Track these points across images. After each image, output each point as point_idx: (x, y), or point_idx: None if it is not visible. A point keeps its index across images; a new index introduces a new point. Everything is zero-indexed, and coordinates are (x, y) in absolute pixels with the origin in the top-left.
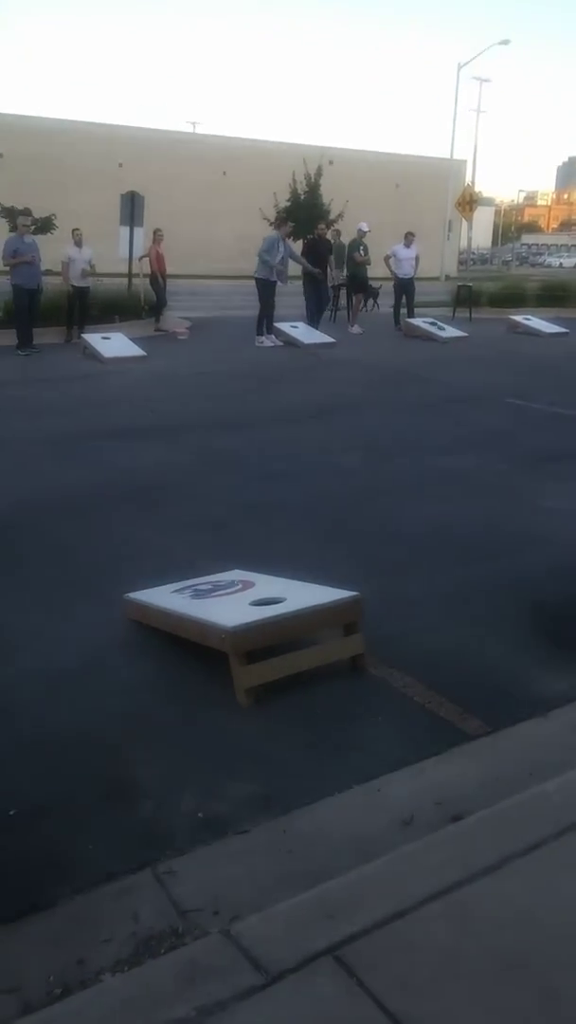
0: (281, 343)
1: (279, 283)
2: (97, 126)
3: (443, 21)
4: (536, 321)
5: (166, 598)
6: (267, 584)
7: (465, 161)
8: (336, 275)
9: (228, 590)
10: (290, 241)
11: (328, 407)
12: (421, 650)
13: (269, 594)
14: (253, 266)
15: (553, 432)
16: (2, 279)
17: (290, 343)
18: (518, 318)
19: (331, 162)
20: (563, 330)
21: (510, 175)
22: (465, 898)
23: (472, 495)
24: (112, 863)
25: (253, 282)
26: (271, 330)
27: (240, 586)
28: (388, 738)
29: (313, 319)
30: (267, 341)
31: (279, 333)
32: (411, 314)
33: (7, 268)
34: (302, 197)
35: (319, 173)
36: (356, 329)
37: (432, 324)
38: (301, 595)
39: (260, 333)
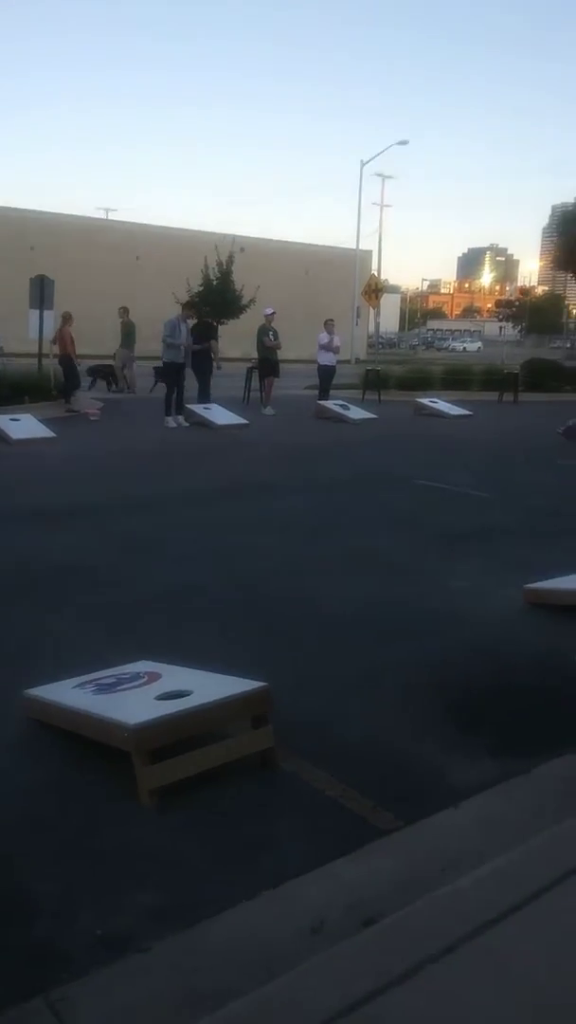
0: (188, 424)
1: (185, 364)
2: (9, 210)
3: (350, 122)
4: (442, 403)
5: (67, 694)
6: (174, 675)
7: (371, 251)
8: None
9: (133, 684)
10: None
11: (241, 488)
12: (333, 740)
13: (175, 686)
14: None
15: (460, 511)
16: None
17: (202, 424)
18: (424, 400)
19: (242, 249)
20: (467, 412)
21: (415, 264)
22: (376, 1012)
23: (386, 575)
24: (1, 990)
25: (162, 366)
26: (180, 411)
27: (146, 679)
28: (299, 837)
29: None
30: (172, 422)
31: (191, 414)
32: (323, 396)
33: None
34: (214, 283)
35: (231, 260)
36: (269, 410)
37: (342, 406)
38: (208, 687)
39: (168, 414)
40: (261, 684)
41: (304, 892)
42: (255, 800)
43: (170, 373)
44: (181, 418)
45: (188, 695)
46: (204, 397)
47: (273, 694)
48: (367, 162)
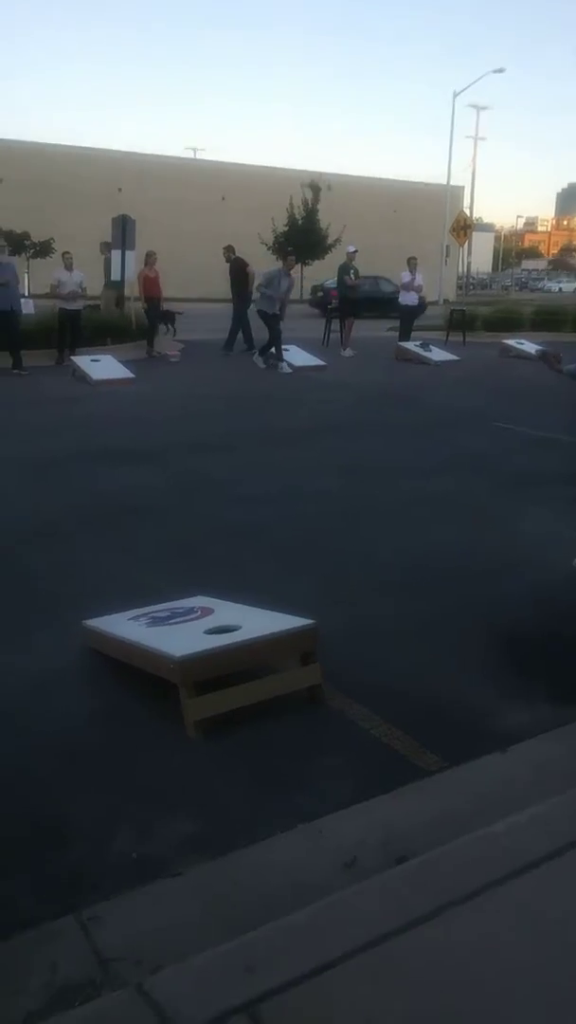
0: (290, 370)
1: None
2: (97, 151)
3: (440, 49)
4: (528, 345)
5: (122, 626)
6: (226, 611)
7: (463, 187)
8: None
9: (186, 618)
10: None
11: (313, 430)
12: (383, 681)
13: (226, 621)
14: (251, 288)
15: (536, 456)
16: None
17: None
18: (510, 342)
19: (329, 187)
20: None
21: (509, 201)
22: (395, 952)
23: (451, 520)
24: (34, 908)
25: (258, 309)
26: (280, 356)
27: (199, 613)
28: (340, 775)
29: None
30: (285, 367)
31: (269, 356)
32: (404, 337)
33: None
34: (300, 222)
35: (316, 198)
36: (348, 352)
37: (423, 347)
38: (257, 623)
39: (262, 354)
40: (309, 621)
41: (339, 828)
42: (299, 736)
43: (266, 321)
44: (285, 364)
45: (236, 630)
46: (250, 342)
47: (322, 632)
48: (460, 92)
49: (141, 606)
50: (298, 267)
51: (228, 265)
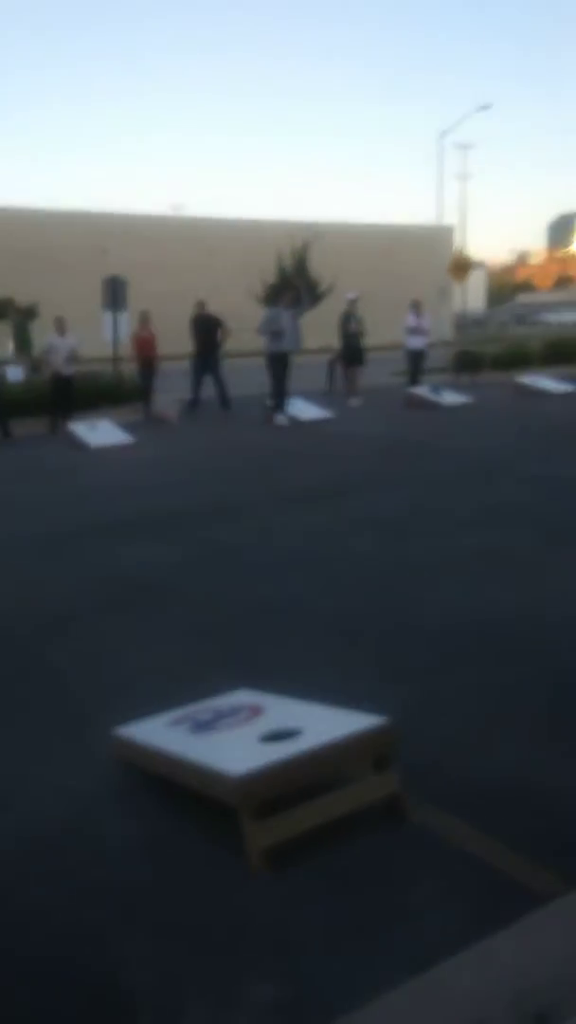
0: (286, 423)
1: (293, 349)
2: (80, 215)
3: (423, 89)
4: (544, 381)
5: (160, 734)
6: (279, 708)
7: (452, 227)
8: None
9: (233, 719)
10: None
11: (331, 487)
12: (469, 781)
13: (281, 723)
14: (241, 343)
15: None
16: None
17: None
18: (524, 379)
19: (317, 236)
20: (574, 388)
21: (500, 236)
22: None
23: (502, 579)
24: None
25: (266, 359)
26: (281, 407)
27: (247, 712)
28: (440, 905)
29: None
30: (282, 419)
31: (268, 413)
32: (413, 382)
33: None
34: (289, 272)
35: (305, 247)
36: (355, 401)
37: (434, 391)
38: (320, 723)
39: (276, 410)
40: (382, 719)
41: (456, 979)
42: (382, 859)
43: (274, 364)
44: (282, 416)
45: (298, 734)
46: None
47: (396, 730)
48: (446, 132)
49: (175, 701)
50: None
51: (195, 320)
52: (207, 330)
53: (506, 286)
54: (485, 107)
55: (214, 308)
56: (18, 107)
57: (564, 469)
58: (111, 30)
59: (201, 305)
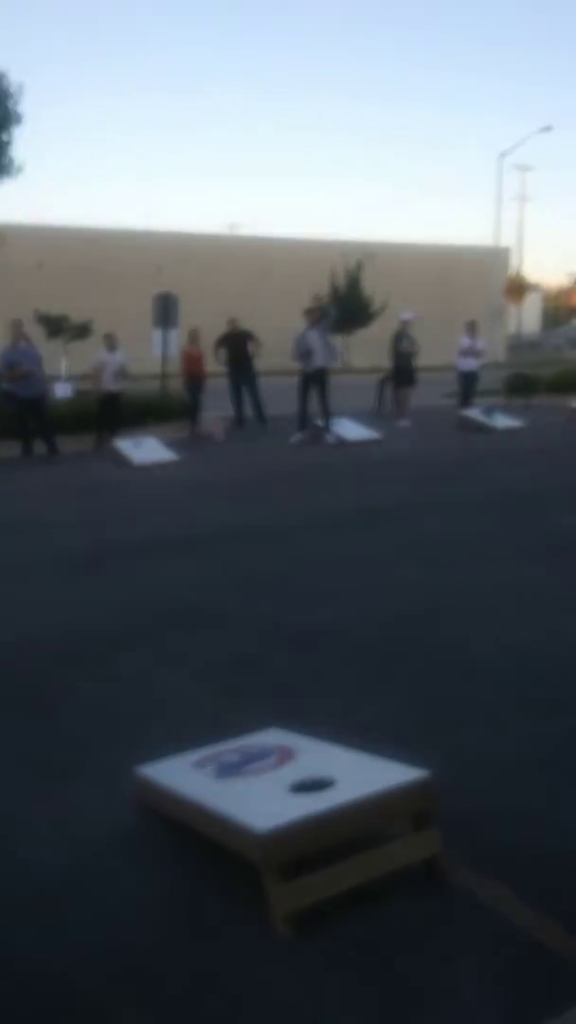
0: (335, 441)
1: (325, 366)
2: (135, 233)
3: (482, 110)
4: None
5: (183, 777)
6: (311, 753)
7: (508, 249)
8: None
9: (262, 763)
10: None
11: (377, 511)
12: (517, 844)
13: (313, 770)
14: (289, 361)
15: None
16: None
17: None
18: None
19: (371, 256)
20: None
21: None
22: None
23: (558, 616)
24: None
25: (298, 379)
26: (305, 426)
27: (277, 756)
28: (483, 986)
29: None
30: (330, 437)
31: (321, 431)
32: (465, 404)
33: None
34: (342, 292)
35: (359, 267)
36: (404, 423)
37: (487, 414)
38: (355, 774)
39: (301, 429)
40: (423, 772)
41: None
42: (420, 930)
43: (308, 383)
44: (330, 435)
45: (330, 785)
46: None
47: (438, 784)
48: (507, 153)
49: (202, 738)
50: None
51: (224, 337)
52: (239, 345)
53: (562, 308)
54: (546, 129)
55: (266, 327)
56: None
57: None
58: (176, 47)
59: (233, 323)
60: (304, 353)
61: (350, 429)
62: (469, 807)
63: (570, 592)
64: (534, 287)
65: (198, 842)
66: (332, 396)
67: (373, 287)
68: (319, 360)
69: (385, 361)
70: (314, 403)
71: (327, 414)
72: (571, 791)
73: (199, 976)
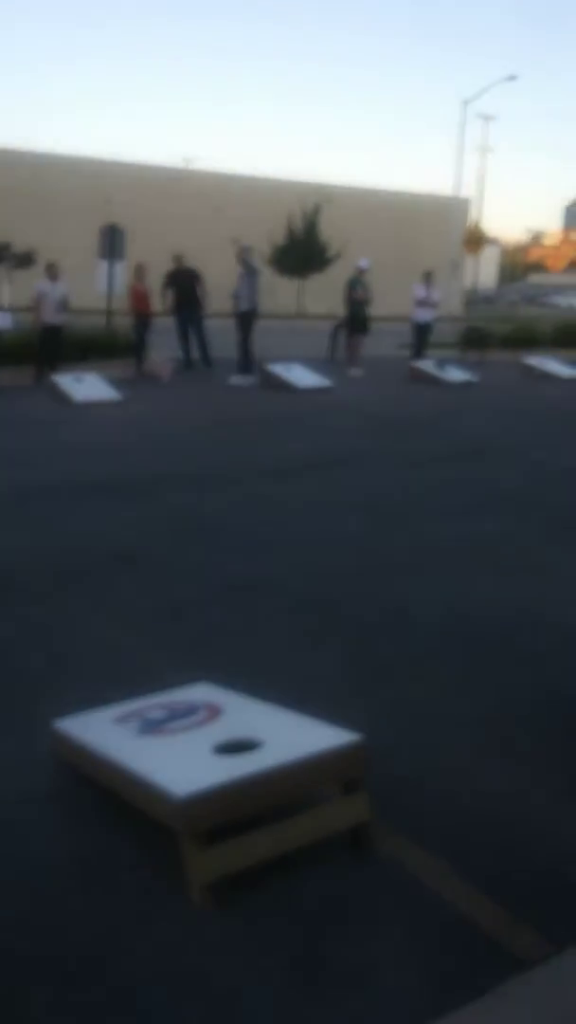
0: (253, 383)
1: (247, 309)
2: (84, 161)
3: (448, 56)
4: (553, 364)
5: (103, 733)
6: (239, 711)
7: (468, 200)
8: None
9: (188, 721)
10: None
11: (323, 461)
12: (447, 811)
13: (241, 729)
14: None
15: None
16: None
17: (282, 386)
18: (532, 361)
19: (330, 200)
20: None
21: (515, 214)
22: None
23: (498, 572)
24: None
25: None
26: (250, 369)
27: (204, 714)
28: (405, 965)
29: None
30: (240, 380)
31: (271, 376)
32: (418, 356)
33: None
34: (299, 236)
35: (316, 211)
36: (356, 371)
37: (439, 366)
38: (284, 735)
39: (239, 371)
40: (354, 736)
41: None
42: (343, 903)
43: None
44: (250, 376)
45: (257, 747)
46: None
47: (369, 747)
48: (470, 100)
49: (128, 691)
50: (299, 282)
51: (172, 274)
52: (186, 286)
53: (518, 265)
54: (511, 78)
55: (219, 268)
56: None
57: (566, 457)
58: None
59: (179, 259)
60: (234, 296)
61: (301, 376)
62: (402, 771)
63: (513, 551)
64: (492, 241)
65: (118, 801)
66: (283, 340)
67: (330, 232)
68: (244, 304)
69: (340, 308)
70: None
71: (241, 357)
72: (499, 753)
73: (114, 938)
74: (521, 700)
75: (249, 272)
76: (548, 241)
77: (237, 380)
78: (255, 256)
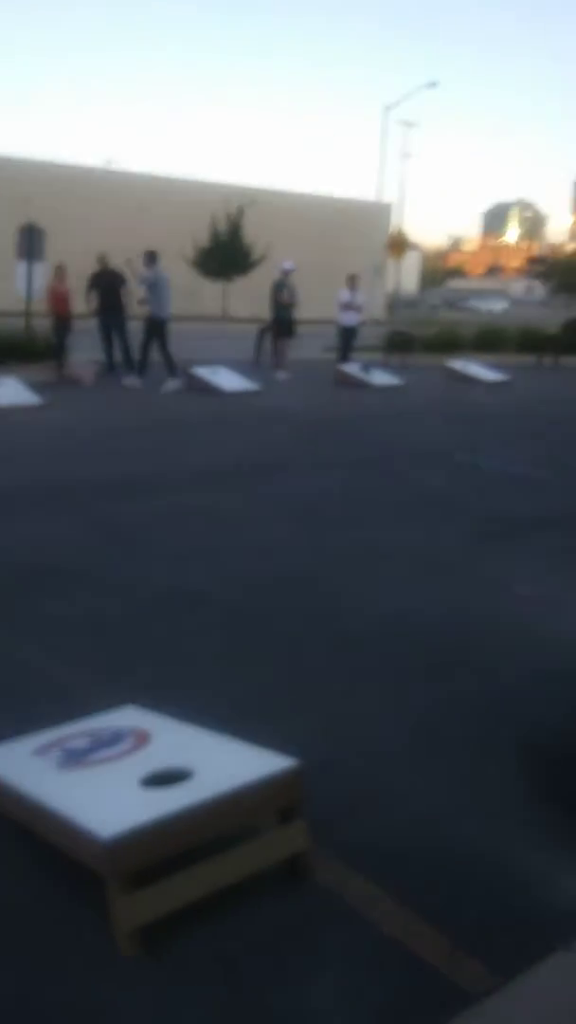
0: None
1: (155, 316)
2: (3, 160)
3: (370, 63)
4: (475, 367)
5: (22, 766)
6: (168, 736)
7: (390, 205)
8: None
9: (113, 750)
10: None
11: (251, 466)
12: (385, 835)
13: (170, 757)
14: (177, 308)
15: (508, 496)
16: None
17: (207, 390)
18: (456, 364)
19: (253, 202)
20: (504, 377)
21: (436, 220)
22: None
23: (428, 578)
24: None
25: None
26: (174, 373)
27: (131, 741)
28: (345, 1002)
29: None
30: (170, 385)
31: (196, 379)
32: (343, 359)
33: None
34: (223, 238)
35: (240, 213)
36: (282, 375)
37: (364, 370)
38: (216, 762)
39: (169, 375)
40: (290, 762)
41: None
42: (281, 938)
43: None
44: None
45: (188, 777)
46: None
47: (305, 771)
48: (392, 107)
49: (50, 717)
50: (223, 284)
51: (96, 276)
52: (110, 288)
53: (439, 270)
54: (432, 84)
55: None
56: None
57: (489, 460)
58: None
59: (103, 260)
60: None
61: (227, 379)
62: (339, 791)
63: (442, 555)
64: (414, 246)
65: (40, 840)
66: (208, 344)
67: (255, 235)
68: (154, 309)
69: (265, 311)
70: (170, 350)
71: (140, 361)
72: (435, 770)
73: (35, 992)
74: (460, 715)
75: (159, 280)
76: (467, 247)
77: (170, 386)
78: (160, 263)
